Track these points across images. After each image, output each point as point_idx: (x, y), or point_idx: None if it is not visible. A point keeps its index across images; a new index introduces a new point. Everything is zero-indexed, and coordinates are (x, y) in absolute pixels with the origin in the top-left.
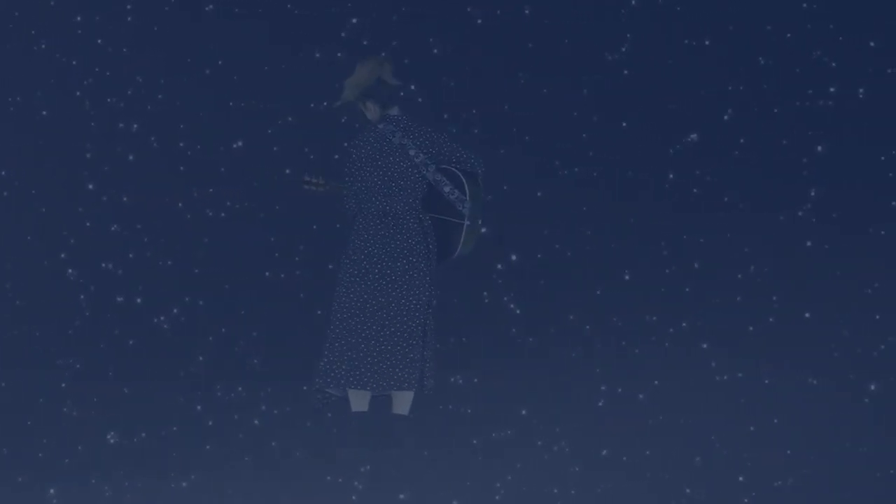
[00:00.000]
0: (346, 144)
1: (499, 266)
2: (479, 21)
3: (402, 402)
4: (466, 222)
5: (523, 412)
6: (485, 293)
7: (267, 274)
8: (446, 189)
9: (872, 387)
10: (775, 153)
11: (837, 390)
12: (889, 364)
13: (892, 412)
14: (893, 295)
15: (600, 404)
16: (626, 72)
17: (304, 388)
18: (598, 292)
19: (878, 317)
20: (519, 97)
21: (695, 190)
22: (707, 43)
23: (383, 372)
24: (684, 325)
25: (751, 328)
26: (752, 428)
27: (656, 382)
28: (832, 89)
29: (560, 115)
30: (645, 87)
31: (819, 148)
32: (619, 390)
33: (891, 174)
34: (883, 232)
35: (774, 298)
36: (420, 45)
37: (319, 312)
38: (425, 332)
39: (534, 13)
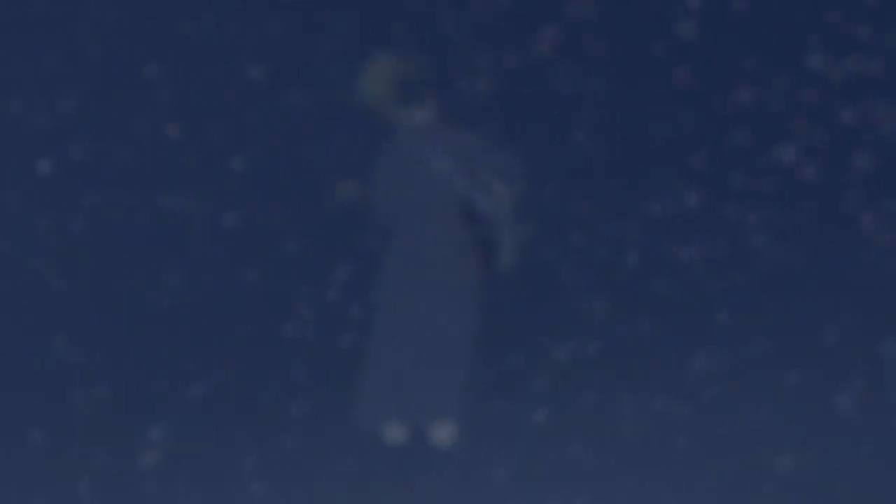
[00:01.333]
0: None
1: None
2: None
3: (443, 433)
4: (498, 231)
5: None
6: None
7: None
8: (474, 197)
9: (799, 395)
10: (699, 152)
11: (760, 401)
12: (818, 375)
13: (820, 423)
14: (817, 302)
15: (540, 418)
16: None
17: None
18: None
19: (811, 313)
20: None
21: (631, 192)
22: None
23: (418, 400)
24: (614, 334)
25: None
26: (682, 445)
27: (593, 394)
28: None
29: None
30: (564, 90)
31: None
32: (558, 403)
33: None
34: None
35: (712, 307)
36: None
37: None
38: (469, 356)
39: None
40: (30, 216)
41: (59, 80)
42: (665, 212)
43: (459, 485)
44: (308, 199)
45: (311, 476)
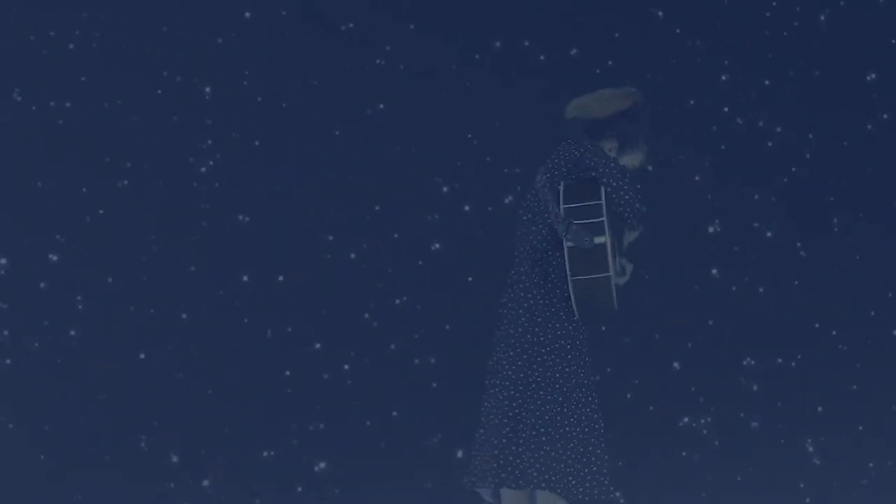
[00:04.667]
0: None
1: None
2: None
3: None
4: (568, 243)
5: (459, 454)
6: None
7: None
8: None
9: (754, 424)
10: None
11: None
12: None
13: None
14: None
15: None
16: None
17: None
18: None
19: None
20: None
21: None
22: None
23: (511, 467)
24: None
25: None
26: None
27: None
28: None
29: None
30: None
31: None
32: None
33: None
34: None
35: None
36: None
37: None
38: (576, 422)
39: None
40: None
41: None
42: None
43: None
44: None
45: None
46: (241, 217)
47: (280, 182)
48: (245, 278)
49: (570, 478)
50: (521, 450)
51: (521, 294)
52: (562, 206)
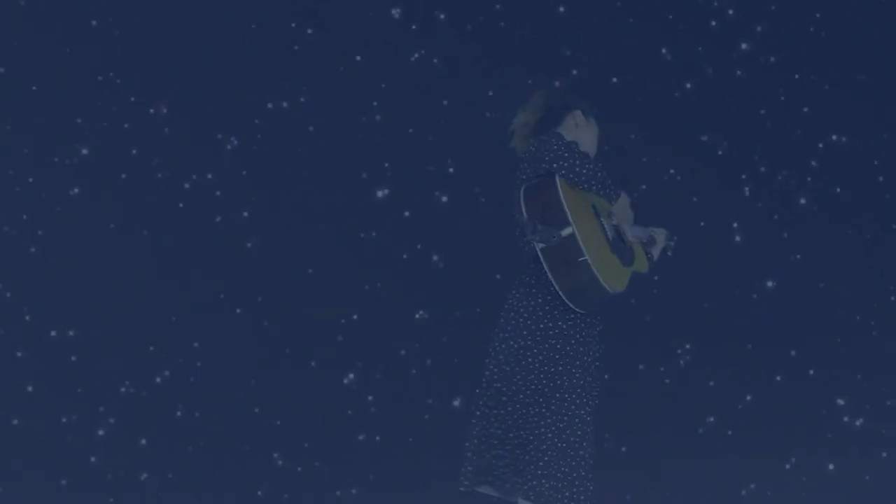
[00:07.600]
0: None
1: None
2: None
3: None
4: (539, 245)
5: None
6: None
7: None
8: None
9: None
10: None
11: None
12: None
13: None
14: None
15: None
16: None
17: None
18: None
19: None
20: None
21: None
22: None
23: (497, 471)
24: None
25: None
26: None
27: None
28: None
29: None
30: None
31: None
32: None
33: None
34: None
35: None
36: None
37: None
38: (565, 426)
39: None
40: None
41: None
42: None
43: None
44: None
45: None
46: None
47: None
48: None
49: (552, 481)
50: (504, 453)
51: (513, 303)
52: (523, 209)
